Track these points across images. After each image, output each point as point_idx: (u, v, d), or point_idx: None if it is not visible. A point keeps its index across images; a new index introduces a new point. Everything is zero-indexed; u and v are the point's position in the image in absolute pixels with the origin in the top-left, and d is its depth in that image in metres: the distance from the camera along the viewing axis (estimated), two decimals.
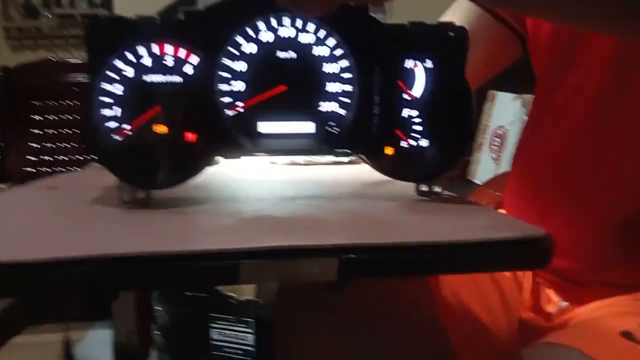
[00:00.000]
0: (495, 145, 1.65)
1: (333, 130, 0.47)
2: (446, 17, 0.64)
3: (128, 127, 0.44)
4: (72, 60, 2.04)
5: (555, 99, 0.56)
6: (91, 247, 0.31)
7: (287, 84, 0.46)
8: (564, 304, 0.54)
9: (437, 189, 0.48)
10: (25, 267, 0.30)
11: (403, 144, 0.48)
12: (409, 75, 0.47)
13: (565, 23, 0.50)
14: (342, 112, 0.47)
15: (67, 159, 1.96)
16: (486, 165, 1.68)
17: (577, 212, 0.52)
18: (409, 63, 0.47)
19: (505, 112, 1.63)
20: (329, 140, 0.47)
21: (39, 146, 1.96)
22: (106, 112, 0.44)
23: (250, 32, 0.46)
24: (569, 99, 0.54)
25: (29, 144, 1.95)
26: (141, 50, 0.44)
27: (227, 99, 0.46)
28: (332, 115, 0.47)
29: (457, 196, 0.49)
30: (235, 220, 0.40)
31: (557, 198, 0.54)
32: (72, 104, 1.95)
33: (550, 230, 0.54)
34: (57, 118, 1.96)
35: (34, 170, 1.94)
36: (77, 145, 1.95)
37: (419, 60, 0.47)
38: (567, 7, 0.38)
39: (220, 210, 0.44)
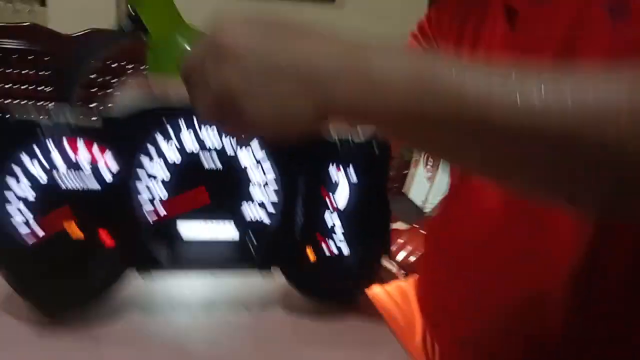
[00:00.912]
0: (429, 164, 1.69)
1: (253, 241, 0.47)
2: None
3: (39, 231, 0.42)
4: None
5: (464, 190, 0.57)
6: None
7: (211, 192, 0.46)
8: None
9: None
10: None
11: (325, 252, 0.49)
12: (333, 187, 0.48)
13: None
14: (267, 220, 0.47)
15: None
16: (421, 183, 1.73)
17: (471, 297, 0.54)
18: (333, 175, 0.47)
19: None
20: (251, 251, 0.47)
21: None
22: (16, 217, 0.42)
23: (175, 139, 0.44)
24: (475, 196, 0.55)
25: None
26: (55, 154, 0.42)
27: (147, 207, 0.45)
28: (256, 224, 0.47)
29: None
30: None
31: (457, 278, 0.56)
32: None
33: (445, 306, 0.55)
34: None
35: None
36: None
37: (343, 172, 0.47)
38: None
39: (135, 338, 0.43)
